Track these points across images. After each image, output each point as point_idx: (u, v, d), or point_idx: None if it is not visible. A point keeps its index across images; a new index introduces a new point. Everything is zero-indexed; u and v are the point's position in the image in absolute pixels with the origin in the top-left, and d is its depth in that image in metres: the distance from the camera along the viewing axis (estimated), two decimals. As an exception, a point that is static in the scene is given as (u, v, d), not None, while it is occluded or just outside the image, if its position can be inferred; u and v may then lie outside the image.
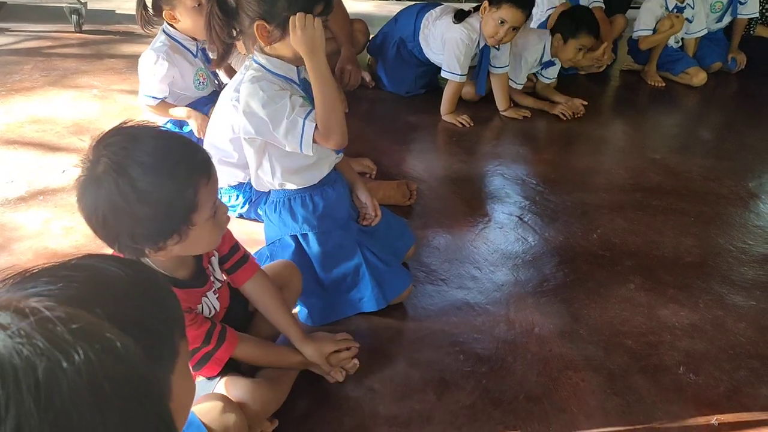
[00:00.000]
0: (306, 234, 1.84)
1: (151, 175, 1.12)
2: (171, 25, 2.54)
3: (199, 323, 1.34)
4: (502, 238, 2.29)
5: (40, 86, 3.31)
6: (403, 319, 1.84)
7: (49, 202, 2.29)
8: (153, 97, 2.52)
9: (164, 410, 0.49)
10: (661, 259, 2.23)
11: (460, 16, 3.13)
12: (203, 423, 1.25)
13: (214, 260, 1.44)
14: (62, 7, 4.17)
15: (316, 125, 1.64)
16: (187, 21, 2.47)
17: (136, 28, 4.41)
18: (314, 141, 1.66)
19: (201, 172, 1.18)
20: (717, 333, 1.88)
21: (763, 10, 4.44)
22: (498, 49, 3.20)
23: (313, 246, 1.83)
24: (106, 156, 1.11)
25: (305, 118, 1.64)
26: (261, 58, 1.70)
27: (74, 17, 4.15)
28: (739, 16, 4.34)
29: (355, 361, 1.58)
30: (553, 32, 3.42)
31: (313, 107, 1.66)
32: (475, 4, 3.16)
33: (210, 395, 1.35)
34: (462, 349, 1.74)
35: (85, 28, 4.23)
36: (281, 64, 1.69)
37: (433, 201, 2.53)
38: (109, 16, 4.65)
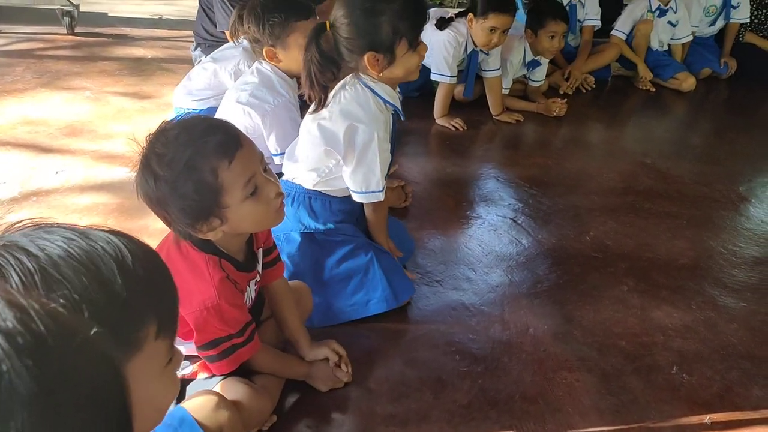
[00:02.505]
0: (320, 228, 1.86)
1: (165, 165, 1.16)
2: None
3: (245, 310, 1.37)
4: (496, 240, 2.30)
5: (33, 88, 3.30)
6: (399, 320, 1.85)
7: (42, 203, 2.28)
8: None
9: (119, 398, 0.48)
10: (654, 261, 2.25)
11: (441, 24, 3.15)
12: (196, 420, 1.24)
13: (260, 252, 1.46)
14: (54, 9, 4.16)
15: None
16: (295, 59, 2.23)
17: (129, 30, 4.44)
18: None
19: (217, 155, 1.19)
20: (709, 334, 1.90)
21: (753, 17, 4.50)
22: (487, 54, 3.23)
23: (325, 240, 1.85)
24: (142, 149, 1.18)
25: (381, 190, 1.80)
26: (371, 83, 1.75)
27: (66, 19, 4.15)
28: (732, 20, 4.40)
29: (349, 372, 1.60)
30: (526, 30, 3.46)
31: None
32: (456, 11, 3.20)
33: (204, 391, 1.34)
34: (458, 349, 1.75)
35: (77, 30, 4.22)
36: (391, 92, 1.77)
37: (428, 203, 2.54)
38: (102, 18, 4.64)
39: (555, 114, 3.50)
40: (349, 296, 1.81)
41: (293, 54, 2.21)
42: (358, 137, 1.73)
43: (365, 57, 1.69)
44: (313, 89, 1.74)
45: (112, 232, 0.68)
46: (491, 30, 3.03)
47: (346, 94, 1.76)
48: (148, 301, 0.68)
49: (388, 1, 1.66)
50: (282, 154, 2.10)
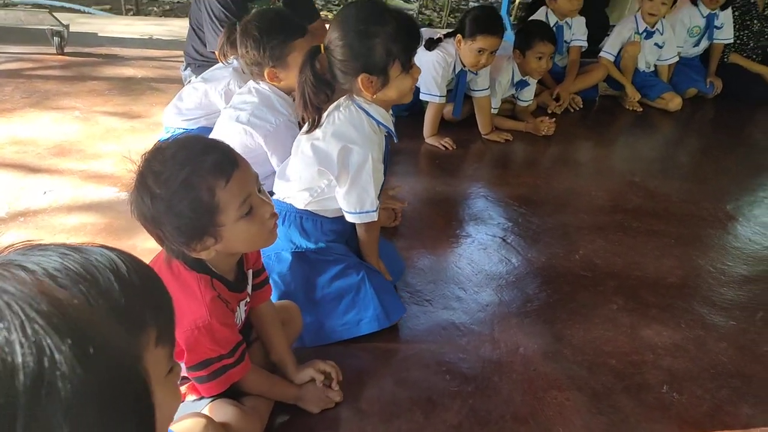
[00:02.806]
0: (311, 248, 1.85)
1: (162, 183, 1.16)
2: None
3: (236, 330, 1.36)
4: (486, 259, 2.30)
5: (21, 108, 3.29)
6: (389, 340, 1.84)
7: (29, 224, 2.27)
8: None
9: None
10: (643, 279, 2.25)
11: (430, 45, 3.18)
12: None
13: (250, 273, 1.46)
14: (44, 29, 4.16)
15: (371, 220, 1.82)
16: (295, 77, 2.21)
17: (119, 50, 4.44)
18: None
19: (214, 175, 1.20)
20: (699, 352, 1.90)
21: (736, 38, 4.56)
22: (476, 74, 3.26)
23: (317, 259, 1.84)
24: (138, 168, 1.19)
25: (375, 210, 1.80)
26: (365, 105, 1.76)
27: (56, 39, 4.14)
28: (715, 41, 4.46)
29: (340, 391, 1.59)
30: (514, 51, 3.50)
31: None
32: (445, 32, 3.24)
33: (192, 413, 1.33)
34: (448, 368, 1.74)
35: (67, 50, 4.21)
36: (385, 115, 1.78)
37: (418, 223, 2.54)
38: (92, 38, 4.64)
39: (543, 133, 3.54)
40: (340, 315, 1.80)
41: (293, 72, 2.22)
42: (352, 158, 1.74)
43: (359, 79, 1.70)
44: (306, 111, 1.75)
45: (104, 246, 0.69)
46: (479, 51, 3.07)
47: (340, 115, 1.77)
48: (146, 309, 0.69)
49: (381, 23, 1.67)
50: None
